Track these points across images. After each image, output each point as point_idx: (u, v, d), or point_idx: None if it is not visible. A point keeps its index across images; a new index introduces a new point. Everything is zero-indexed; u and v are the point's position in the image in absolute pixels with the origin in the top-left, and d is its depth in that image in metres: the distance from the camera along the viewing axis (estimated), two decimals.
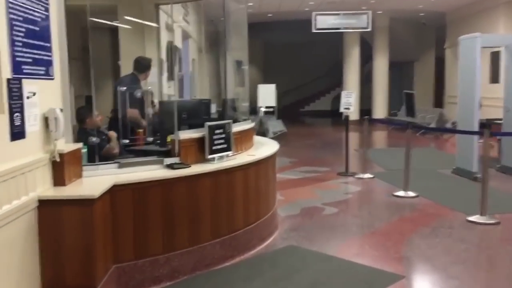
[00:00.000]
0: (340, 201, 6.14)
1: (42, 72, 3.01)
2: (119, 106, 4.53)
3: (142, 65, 5.23)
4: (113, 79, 9.55)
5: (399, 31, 19.24)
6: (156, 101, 5.40)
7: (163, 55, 7.32)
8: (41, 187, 2.93)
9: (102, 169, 3.53)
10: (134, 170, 3.63)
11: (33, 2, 2.89)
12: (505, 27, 13.24)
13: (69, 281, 2.95)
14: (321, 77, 24.52)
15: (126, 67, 6.38)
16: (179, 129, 4.02)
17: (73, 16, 4.91)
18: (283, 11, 16.43)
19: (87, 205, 2.93)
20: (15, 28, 2.69)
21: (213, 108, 6.60)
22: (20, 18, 2.74)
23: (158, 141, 4.23)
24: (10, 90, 2.62)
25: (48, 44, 3.09)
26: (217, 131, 4.12)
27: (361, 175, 7.58)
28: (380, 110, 18.36)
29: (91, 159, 3.85)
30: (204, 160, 4.01)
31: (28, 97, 2.82)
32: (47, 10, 3.08)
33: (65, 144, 3.26)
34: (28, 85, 2.81)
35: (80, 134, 4.34)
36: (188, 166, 3.82)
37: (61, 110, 3.12)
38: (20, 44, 2.74)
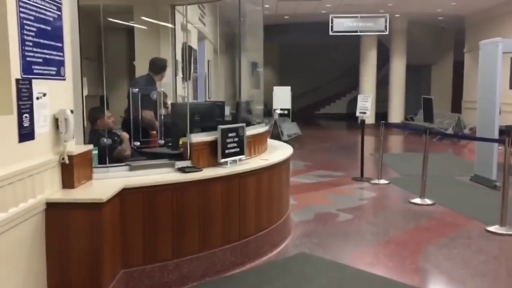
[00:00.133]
0: (355, 207, 6.02)
1: (53, 73, 2.96)
2: (133, 107, 4.48)
3: (158, 66, 5.17)
4: (128, 79, 9.56)
5: (417, 35, 19.01)
6: (168, 102, 5.35)
7: (178, 56, 7.27)
8: (49, 189, 2.88)
9: (113, 172, 3.47)
10: (145, 173, 3.57)
11: (45, 1, 2.84)
12: None
13: (75, 286, 2.90)
14: (337, 79, 24.35)
15: (141, 68, 6.35)
16: (192, 132, 3.95)
17: (90, 17, 4.89)
18: (300, 14, 16.33)
19: (95, 209, 2.87)
20: (26, 27, 2.64)
21: (227, 111, 6.54)
22: (31, 18, 2.70)
23: (170, 144, 4.16)
24: (19, 90, 2.57)
25: (60, 44, 3.05)
26: (230, 135, 4.04)
27: (376, 181, 7.44)
28: (396, 114, 18.14)
29: (103, 161, 3.79)
30: (216, 164, 3.94)
31: (38, 98, 2.78)
32: (59, 9, 3.04)
33: (76, 146, 3.21)
34: (38, 86, 2.77)
35: (92, 135, 4.30)
36: (200, 170, 3.75)
37: (72, 111, 3.07)
38: (31, 43, 2.69)
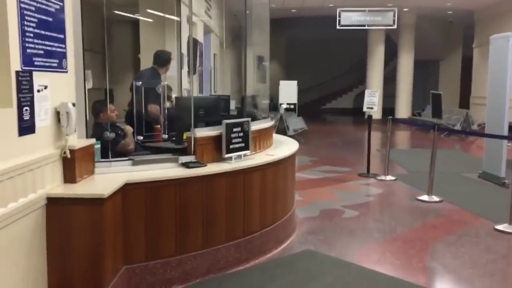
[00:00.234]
0: (361, 204, 5.94)
1: (55, 65, 2.90)
2: (137, 100, 4.42)
3: (162, 59, 5.11)
4: (133, 72, 9.51)
5: (426, 29, 18.82)
6: (173, 96, 5.28)
7: (184, 49, 7.20)
8: (50, 184, 2.82)
9: (115, 166, 3.41)
10: (148, 168, 3.51)
11: None
12: None
13: (76, 282, 2.85)
14: (344, 74, 24.20)
15: (146, 61, 6.29)
16: (196, 126, 3.88)
17: (95, 9, 4.83)
18: (307, 7, 16.19)
19: (97, 204, 2.82)
20: (27, 18, 2.58)
21: (233, 105, 6.47)
22: (32, 8, 2.64)
23: (174, 138, 4.10)
24: (19, 82, 2.52)
25: (61, 36, 2.98)
26: (235, 129, 3.97)
27: (383, 177, 7.35)
28: (403, 109, 18.02)
29: (106, 155, 3.74)
30: (220, 159, 3.87)
31: (38, 91, 2.72)
32: (61, 0, 2.97)
33: (78, 140, 3.15)
34: (39, 78, 2.71)
35: (96, 128, 4.24)
36: (204, 165, 3.69)
37: (74, 104, 3.01)
38: (32, 35, 2.63)
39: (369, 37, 18.64)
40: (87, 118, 3.40)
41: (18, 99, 2.51)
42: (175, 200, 3.41)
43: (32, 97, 2.65)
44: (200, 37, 10.24)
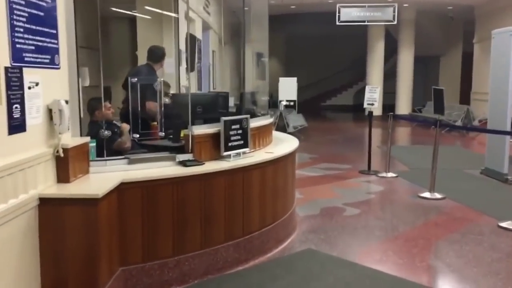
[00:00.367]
0: (362, 202, 5.85)
1: (47, 61, 2.82)
2: (133, 97, 4.32)
3: (157, 54, 5.02)
4: (131, 69, 9.40)
5: (426, 25, 18.71)
6: (171, 93, 5.19)
7: (182, 46, 7.10)
8: (43, 184, 2.74)
9: (111, 165, 3.33)
10: (144, 167, 3.42)
11: None
12: None
13: (70, 284, 2.77)
14: (344, 71, 24.09)
15: (143, 58, 6.19)
16: (193, 123, 3.80)
17: (92, 5, 4.74)
18: (307, 3, 16.07)
19: (91, 204, 2.73)
20: (16, 12, 2.49)
21: (232, 102, 6.38)
22: (22, 2, 2.55)
23: (171, 136, 4.01)
24: (8, 79, 2.43)
25: (53, 31, 2.89)
26: (234, 127, 3.88)
27: (384, 174, 7.26)
28: (403, 106, 17.93)
29: (102, 153, 3.65)
30: (219, 157, 3.79)
31: (29, 88, 2.63)
32: None
33: (71, 138, 3.07)
34: (30, 75, 2.62)
35: (91, 126, 4.15)
36: (201, 163, 3.60)
37: (67, 101, 2.92)
38: (22, 30, 2.54)
39: (369, 33, 18.53)
40: (82, 116, 3.31)
41: (8, 96, 2.42)
42: (173, 200, 3.33)
43: (23, 94, 2.56)
44: (198, 33, 10.14)
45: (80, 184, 2.96)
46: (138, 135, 3.98)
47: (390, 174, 7.24)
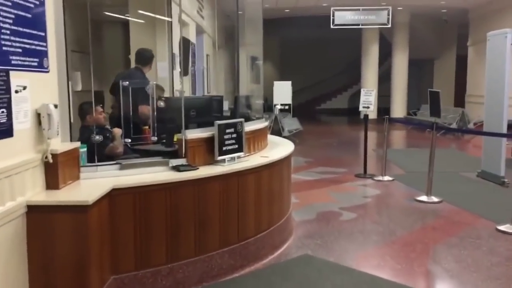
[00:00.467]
0: (359, 206, 5.79)
1: (35, 64, 2.74)
2: (124, 101, 4.23)
3: (146, 57, 4.97)
4: (119, 74, 9.31)
5: (420, 28, 18.75)
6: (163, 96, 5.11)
7: (176, 50, 7.03)
8: (31, 191, 2.66)
9: (102, 171, 3.25)
10: (136, 172, 3.34)
11: None
12: None
13: None
14: (338, 74, 24.09)
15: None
16: (187, 127, 3.72)
17: (85, 10, 4.67)
18: (301, 7, 16.06)
19: (81, 211, 2.65)
20: (2, 13, 2.41)
21: (226, 105, 6.31)
22: (9, 3, 2.47)
23: (164, 141, 3.93)
24: None
25: (42, 33, 2.81)
26: (228, 131, 3.81)
27: (380, 177, 7.21)
28: (398, 109, 17.93)
29: (94, 159, 3.57)
30: (213, 161, 3.71)
31: (17, 91, 2.55)
32: None
33: (61, 143, 2.99)
34: (17, 78, 2.54)
35: (83, 131, 4.08)
36: (195, 168, 3.52)
37: (56, 106, 2.84)
38: (8, 31, 2.46)
39: (363, 36, 18.54)
40: (72, 121, 3.22)
41: None
42: (166, 206, 3.25)
43: (10, 98, 2.48)
44: (192, 37, 10.08)
45: (70, 191, 2.87)
46: (130, 140, 3.90)
47: (386, 178, 7.18)
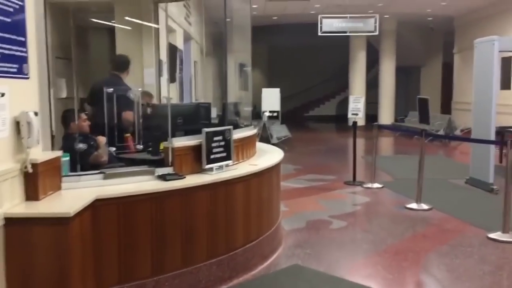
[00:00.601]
0: (348, 214, 5.73)
1: (14, 70, 2.63)
2: (106, 109, 4.13)
3: (123, 63, 4.89)
4: (95, 83, 9.19)
5: (406, 36, 18.87)
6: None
7: (163, 56, 6.94)
8: (9, 202, 2.53)
9: (85, 181, 3.13)
10: (121, 182, 3.23)
11: None
12: None
13: None
14: (326, 81, 24.14)
15: None
16: (174, 135, 3.62)
17: (70, 17, 4.57)
18: (289, 14, 16.07)
19: (61, 224, 2.53)
20: None
21: (214, 113, 6.23)
22: None
23: (150, 149, 3.83)
24: None
25: (22, 38, 2.71)
26: (216, 138, 3.72)
27: (369, 185, 7.16)
28: (386, 115, 17.96)
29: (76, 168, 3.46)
30: (200, 170, 3.62)
31: None
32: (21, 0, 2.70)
33: (42, 152, 2.87)
34: None
35: (66, 139, 3.96)
36: (182, 177, 3.42)
37: (36, 113, 2.73)
38: None
39: (351, 44, 18.61)
40: (53, 129, 3.12)
41: None
42: (151, 216, 3.14)
43: None
44: (180, 44, 9.99)
45: (51, 202, 2.75)
46: (114, 148, 3.80)
47: (375, 185, 7.14)
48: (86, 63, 9.46)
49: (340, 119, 19.76)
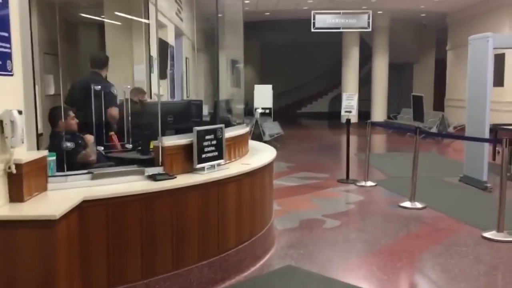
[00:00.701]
0: (342, 213, 5.67)
1: None
2: (90, 107, 4.03)
3: (102, 60, 4.79)
4: (75, 83, 9.08)
5: (399, 32, 18.83)
6: (148, 99, 4.92)
7: (153, 52, 6.83)
8: None
9: (72, 181, 3.03)
10: (109, 182, 3.14)
11: None
12: (511, 29, 12.84)
13: None
14: (319, 78, 24.05)
15: (112, 64, 5.90)
16: (164, 134, 3.53)
17: (58, 11, 4.45)
18: (281, 10, 15.96)
19: (47, 226, 2.44)
20: None
21: (206, 110, 6.14)
22: None
23: (139, 148, 3.73)
24: None
25: (5, 34, 2.61)
26: (207, 137, 3.64)
27: (362, 183, 7.11)
28: (379, 112, 17.94)
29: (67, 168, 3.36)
30: (192, 170, 3.53)
31: None
32: None
33: (27, 152, 2.77)
34: None
35: (53, 138, 3.85)
36: (173, 177, 3.34)
37: (20, 112, 2.63)
38: None
39: (344, 40, 18.55)
40: (40, 127, 3.02)
41: None
42: (141, 218, 3.06)
43: None
44: (171, 40, 9.87)
45: (36, 204, 2.66)
46: (103, 148, 3.70)
47: (369, 183, 7.09)
48: (75, 59, 9.33)
49: (333, 116, 19.74)
